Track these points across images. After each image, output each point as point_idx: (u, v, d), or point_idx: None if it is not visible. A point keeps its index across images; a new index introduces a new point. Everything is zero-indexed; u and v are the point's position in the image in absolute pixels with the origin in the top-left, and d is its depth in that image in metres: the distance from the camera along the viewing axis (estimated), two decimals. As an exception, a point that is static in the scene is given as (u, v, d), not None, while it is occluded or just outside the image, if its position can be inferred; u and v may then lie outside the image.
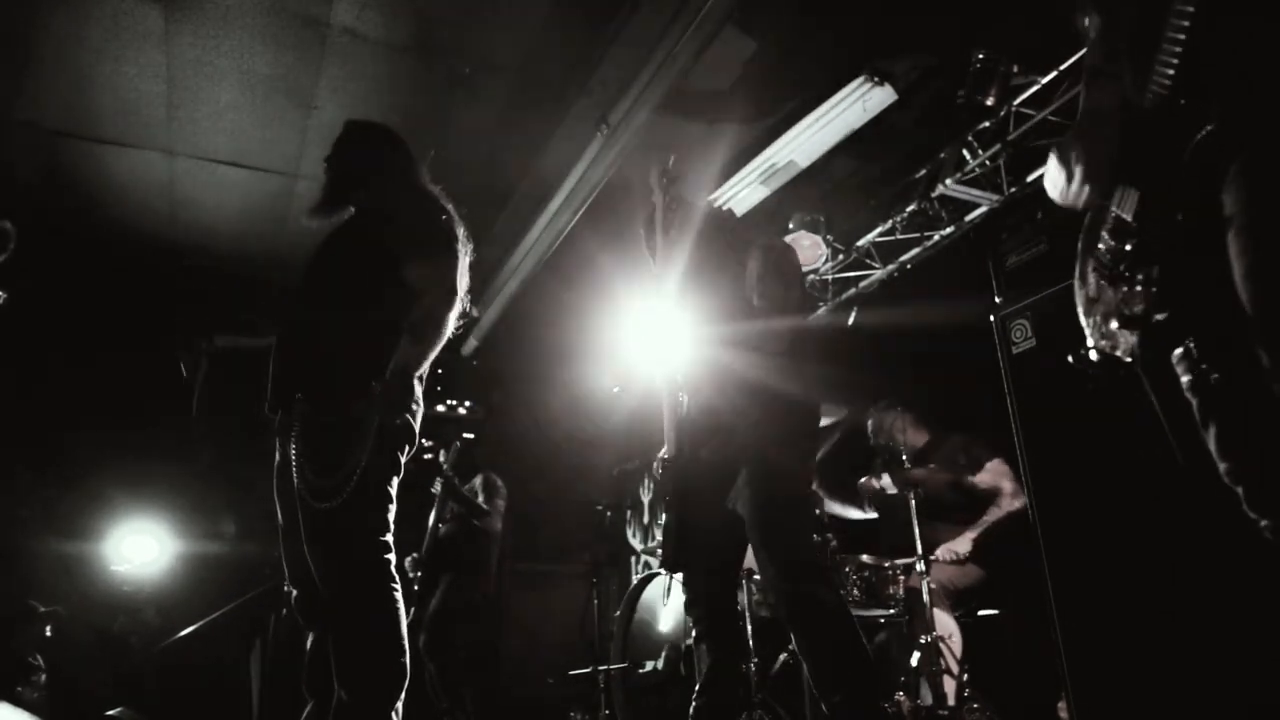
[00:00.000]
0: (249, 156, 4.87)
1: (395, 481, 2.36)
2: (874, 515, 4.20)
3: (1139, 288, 1.33)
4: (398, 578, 2.30)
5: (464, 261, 2.51)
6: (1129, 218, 1.34)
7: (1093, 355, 1.45)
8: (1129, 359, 1.39)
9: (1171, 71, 1.24)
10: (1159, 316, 1.31)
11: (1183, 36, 1.21)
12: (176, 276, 5.89)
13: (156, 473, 5.80)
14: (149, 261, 5.78)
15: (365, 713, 2.14)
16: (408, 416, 2.39)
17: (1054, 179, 1.50)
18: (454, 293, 2.41)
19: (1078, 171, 1.45)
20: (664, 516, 2.65)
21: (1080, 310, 1.50)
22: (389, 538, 2.31)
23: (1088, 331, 1.47)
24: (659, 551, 4.37)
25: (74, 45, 4.00)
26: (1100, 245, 1.40)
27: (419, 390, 2.47)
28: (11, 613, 4.44)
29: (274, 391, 2.40)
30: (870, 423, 4.19)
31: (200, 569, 5.71)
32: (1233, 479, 1.32)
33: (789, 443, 2.50)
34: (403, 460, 2.39)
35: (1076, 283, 1.50)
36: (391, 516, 2.33)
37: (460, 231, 2.53)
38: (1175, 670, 2.24)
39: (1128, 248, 1.34)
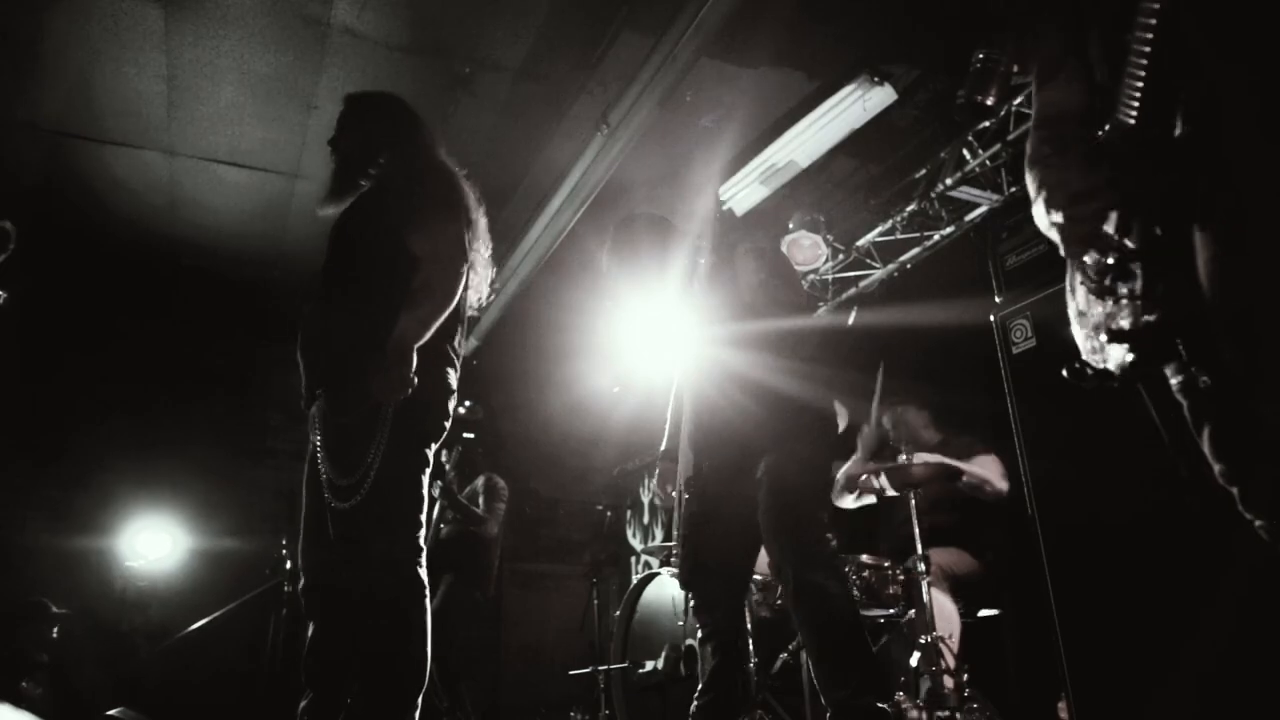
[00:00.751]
0: (249, 156, 4.87)
1: (424, 476, 2.26)
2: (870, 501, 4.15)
3: (1124, 301, 1.35)
4: (425, 578, 2.22)
5: (475, 227, 2.44)
6: (1112, 232, 1.36)
7: (1087, 371, 1.46)
8: (1119, 372, 1.40)
9: (1140, 86, 1.27)
10: (1147, 319, 1.33)
11: (1148, 49, 1.24)
12: (177, 276, 5.90)
13: (166, 468, 5.81)
14: (149, 261, 5.78)
15: (383, 714, 2.12)
16: (441, 408, 2.31)
17: (1039, 213, 1.55)
18: (454, 261, 2.30)
19: (1043, 201, 1.51)
20: (681, 535, 2.65)
21: (1073, 323, 1.51)
22: (418, 536, 2.23)
23: (1080, 345, 1.49)
24: (671, 557, 4.36)
25: (74, 45, 4.00)
26: (1087, 259, 1.42)
27: (453, 379, 2.38)
28: (21, 609, 4.43)
29: (304, 387, 2.35)
30: (886, 419, 4.18)
31: (210, 565, 5.71)
32: (1228, 480, 1.33)
33: (805, 438, 2.51)
34: (429, 454, 2.29)
35: (1068, 295, 1.53)
36: (422, 515, 2.25)
37: (468, 199, 2.45)
38: (1175, 670, 2.24)
39: (1110, 262, 1.36)
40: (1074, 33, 1.52)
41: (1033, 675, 3.24)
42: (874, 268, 5.06)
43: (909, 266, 4.89)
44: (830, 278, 5.19)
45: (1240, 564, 1.94)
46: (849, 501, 4.21)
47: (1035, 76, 1.65)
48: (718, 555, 2.57)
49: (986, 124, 4.15)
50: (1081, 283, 1.45)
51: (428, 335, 2.22)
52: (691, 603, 2.65)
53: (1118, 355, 1.39)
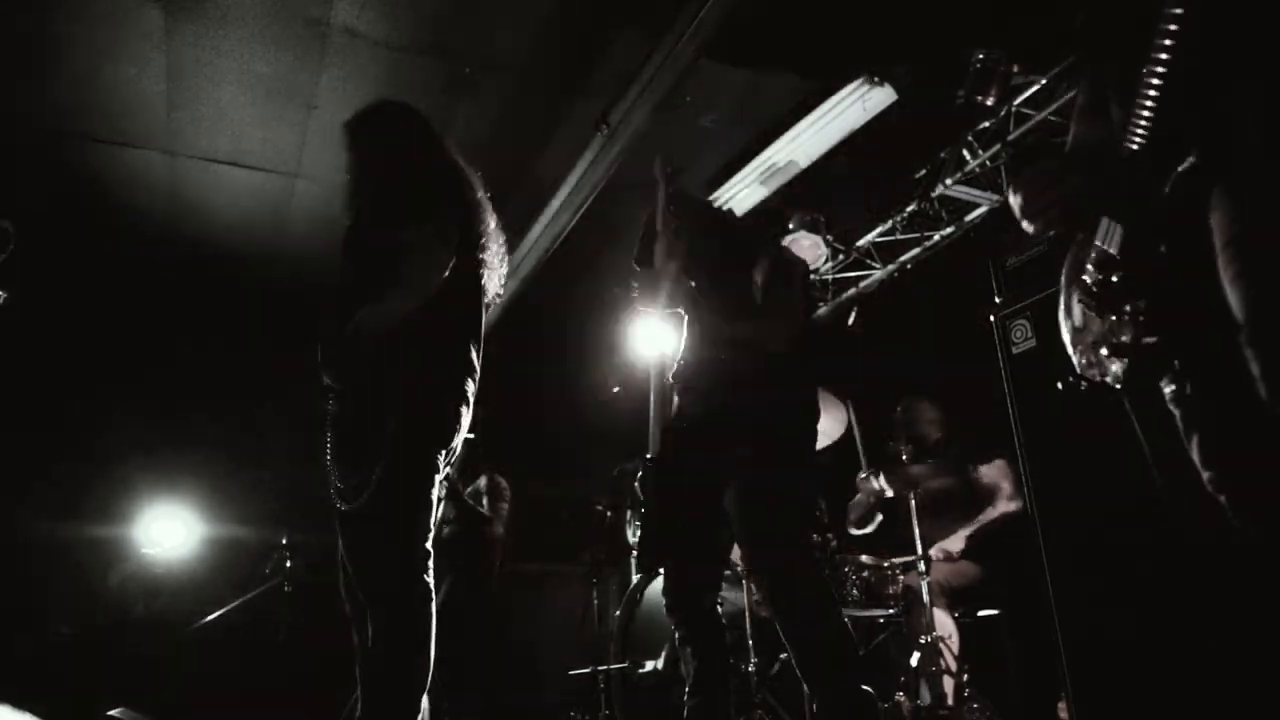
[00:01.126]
0: (249, 156, 4.87)
1: (431, 483, 2.26)
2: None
3: (1126, 318, 1.37)
4: (430, 585, 2.20)
5: (476, 209, 2.45)
6: (1114, 251, 1.37)
7: (1082, 384, 1.49)
8: (1116, 385, 1.43)
9: (1149, 115, 1.28)
10: (1147, 342, 1.34)
11: (1158, 82, 1.25)
12: (177, 276, 5.89)
13: (166, 468, 5.82)
14: (149, 261, 5.77)
15: (386, 714, 2.13)
16: (452, 414, 2.31)
17: (1015, 207, 1.58)
18: (429, 253, 2.29)
19: (1018, 207, 1.52)
20: (642, 518, 2.62)
21: (1066, 340, 1.54)
22: (424, 540, 2.21)
23: (1074, 360, 1.52)
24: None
25: (74, 45, 4.00)
26: (1085, 278, 1.44)
27: (470, 386, 2.38)
28: (22, 613, 4.44)
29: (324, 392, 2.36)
30: (899, 410, 4.19)
31: (211, 565, 5.71)
32: (1216, 488, 1.34)
33: (785, 430, 2.50)
34: (439, 461, 2.28)
35: (1061, 314, 1.56)
36: (429, 519, 2.24)
37: (464, 186, 2.47)
38: (1175, 670, 2.24)
39: (1114, 279, 1.38)
40: (1101, 71, 1.54)
41: (1033, 675, 3.24)
42: (874, 268, 5.06)
43: (909, 266, 4.89)
44: (830, 278, 5.20)
45: (1240, 564, 1.94)
46: (857, 529, 4.18)
47: (1073, 118, 1.68)
48: (687, 553, 2.50)
49: (986, 124, 4.15)
50: (1079, 300, 1.46)
51: (386, 325, 2.20)
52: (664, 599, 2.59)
53: (1117, 370, 1.40)
